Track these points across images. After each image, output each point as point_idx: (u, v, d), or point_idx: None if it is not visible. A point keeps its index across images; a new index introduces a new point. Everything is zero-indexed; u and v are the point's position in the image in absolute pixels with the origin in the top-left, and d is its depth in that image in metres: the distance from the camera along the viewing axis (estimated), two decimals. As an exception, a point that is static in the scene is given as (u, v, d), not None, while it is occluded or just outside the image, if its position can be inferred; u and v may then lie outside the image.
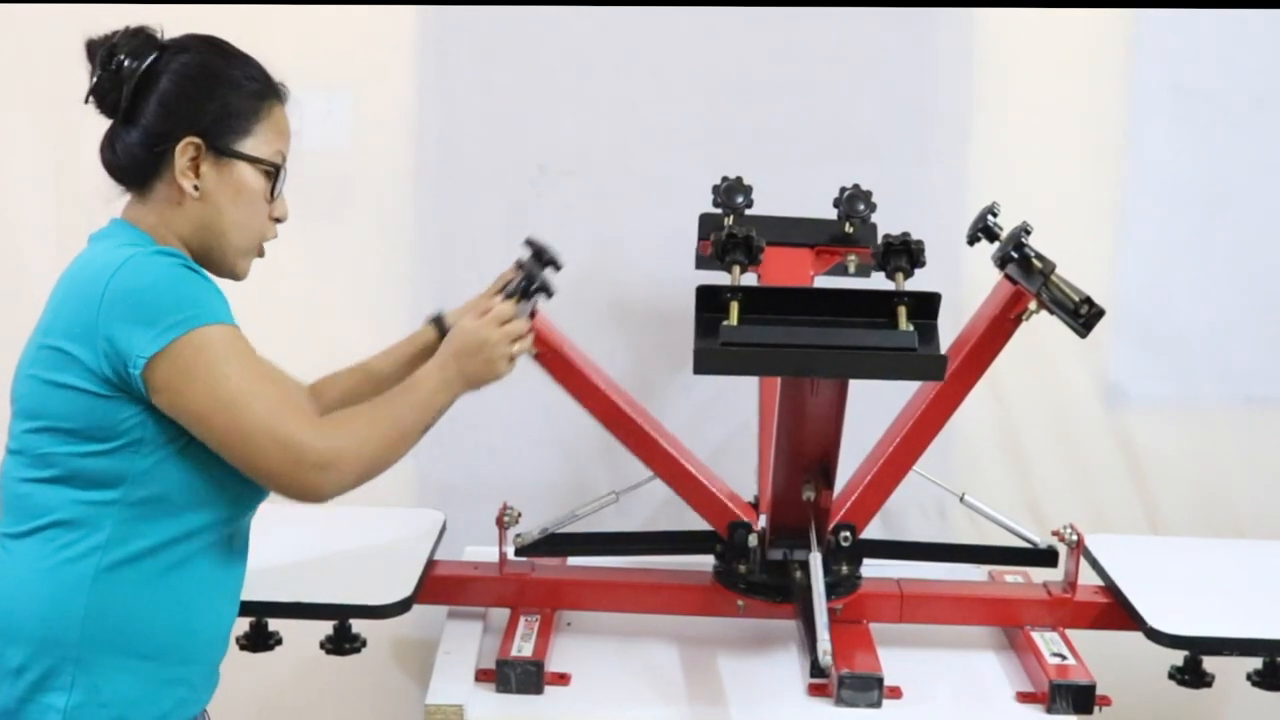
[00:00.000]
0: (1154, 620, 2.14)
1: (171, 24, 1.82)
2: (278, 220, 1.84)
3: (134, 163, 1.78)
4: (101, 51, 1.77)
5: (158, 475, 1.71)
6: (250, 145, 1.78)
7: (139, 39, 1.78)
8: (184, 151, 1.75)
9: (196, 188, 1.76)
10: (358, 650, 2.30)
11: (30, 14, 2.64)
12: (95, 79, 1.77)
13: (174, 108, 1.76)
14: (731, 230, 2.04)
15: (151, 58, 1.77)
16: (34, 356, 1.73)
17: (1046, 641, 2.24)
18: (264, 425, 1.68)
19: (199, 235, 1.78)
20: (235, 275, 1.84)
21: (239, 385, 1.68)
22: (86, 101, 1.79)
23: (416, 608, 2.16)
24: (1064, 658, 2.19)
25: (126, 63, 1.76)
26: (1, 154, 2.62)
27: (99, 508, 1.70)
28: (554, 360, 2.21)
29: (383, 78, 2.78)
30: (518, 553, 2.35)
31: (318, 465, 1.71)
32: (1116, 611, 2.26)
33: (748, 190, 2.44)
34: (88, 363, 1.67)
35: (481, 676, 2.16)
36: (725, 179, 2.45)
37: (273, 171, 1.80)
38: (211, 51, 1.80)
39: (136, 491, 1.71)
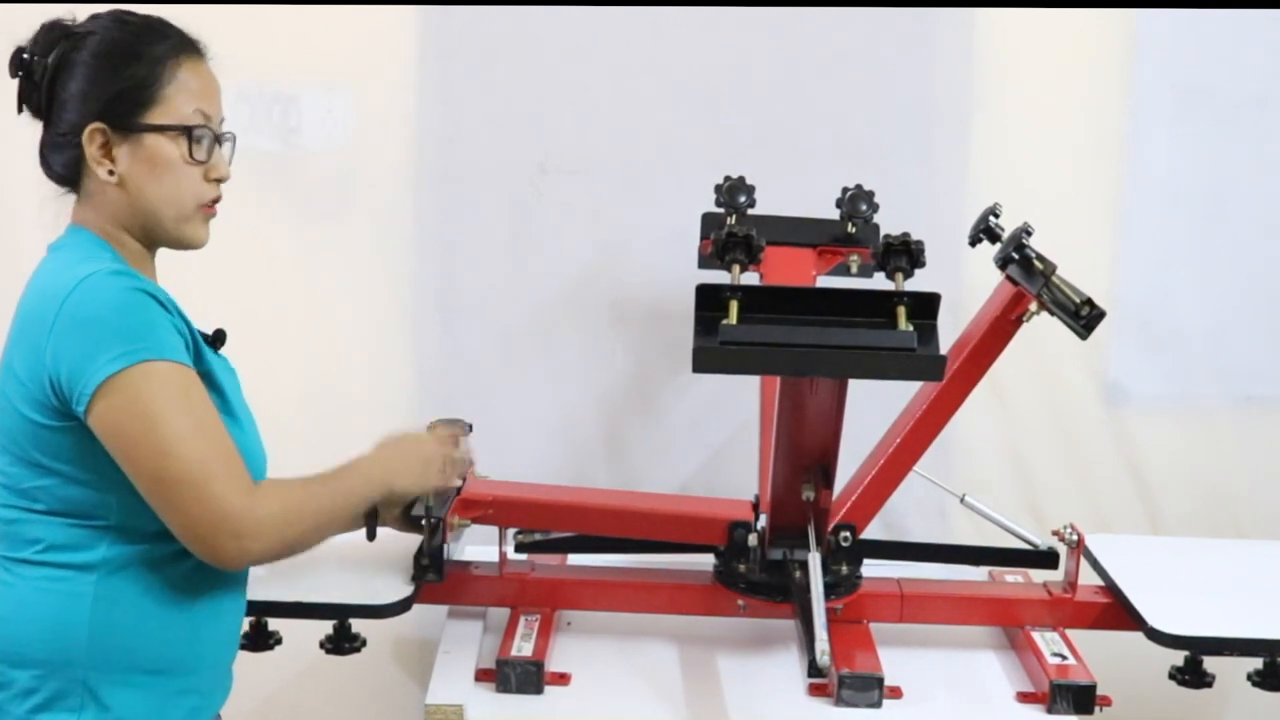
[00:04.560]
0: (1154, 620, 2.14)
1: (176, 23, 1.81)
2: (218, 180, 1.77)
3: (64, 164, 1.75)
4: (14, 57, 1.75)
5: (142, 503, 1.67)
6: (158, 113, 1.71)
7: (49, 35, 1.74)
8: (91, 140, 1.71)
9: (112, 173, 1.72)
10: (358, 650, 2.30)
11: (30, 14, 2.63)
12: (19, 87, 1.75)
13: (79, 97, 1.72)
14: (731, 229, 2.04)
15: (57, 51, 1.72)
16: (1, 377, 1.71)
17: (1047, 641, 2.24)
18: (191, 477, 1.63)
19: (134, 219, 1.74)
20: (191, 244, 1.78)
21: (175, 430, 1.63)
22: (20, 112, 1.76)
23: (416, 607, 2.16)
24: (1064, 658, 2.19)
25: (36, 61, 1.73)
26: (1, 154, 2.63)
27: (92, 531, 1.69)
28: (505, 511, 2.25)
29: (383, 78, 2.78)
30: (517, 550, 2.36)
31: (235, 533, 1.65)
32: (1117, 611, 2.27)
33: (750, 190, 2.44)
34: (33, 390, 1.65)
35: (481, 676, 2.16)
36: (728, 178, 2.45)
37: (188, 133, 1.72)
38: (113, 28, 1.74)
39: (126, 518, 1.69)
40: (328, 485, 1.83)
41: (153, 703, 1.72)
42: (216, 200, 1.78)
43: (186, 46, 1.76)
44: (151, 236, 1.76)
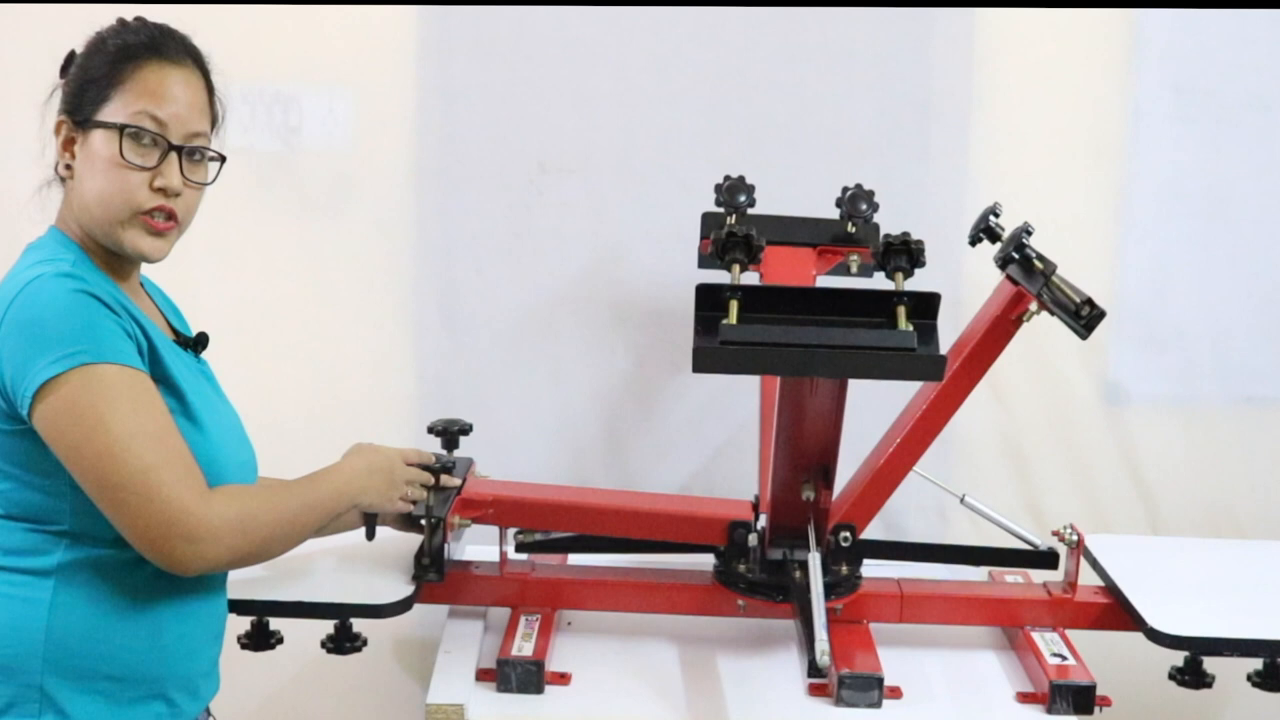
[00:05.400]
0: (1154, 620, 2.14)
1: (172, 24, 1.81)
2: (163, 190, 1.70)
3: (55, 160, 1.76)
4: (65, 61, 1.78)
5: (97, 508, 1.65)
6: (109, 111, 1.69)
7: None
8: (57, 131, 1.72)
9: (69, 166, 1.72)
10: (358, 650, 2.30)
11: (31, 14, 2.64)
12: None
13: (62, 93, 1.74)
14: (731, 229, 2.04)
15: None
16: None
17: (1047, 642, 2.24)
18: (136, 481, 1.60)
19: (82, 218, 1.72)
20: (132, 254, 1.73)
21: (118, 432, 1.60)
22: None
23: (417, 607, 2.16)
24: (1064, 658, 2.19)
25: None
26: (2, 156, 2.63)
27: (48, 536, 1.67)
28: (505, 511, 2.26)
29: (383, 77, 2.78)
30: (517, 550, 2.36)
31: (187, 537, 1.62)
32: (1117, 612, 2.27)
33: (750, 189, 2.44)
34: None
35: (482, 676, 2.16)
36: (728, 177, 2.45)
37: (121, 131, 1.68)
38: (111, 30, 1.75)
39: (81, 523, 1.67)
40: (292, 493, 1.82)
41: (114, 709, 1.69)
42: (163, 212, 1.71)
43: (162, 51, 1.73)
44: (95, 237, 1.73)
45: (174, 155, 1.71)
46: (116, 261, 1.76)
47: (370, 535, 2.05)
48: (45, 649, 1.66)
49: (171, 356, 1.75)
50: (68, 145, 1.72)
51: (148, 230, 1.71)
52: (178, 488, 1.63)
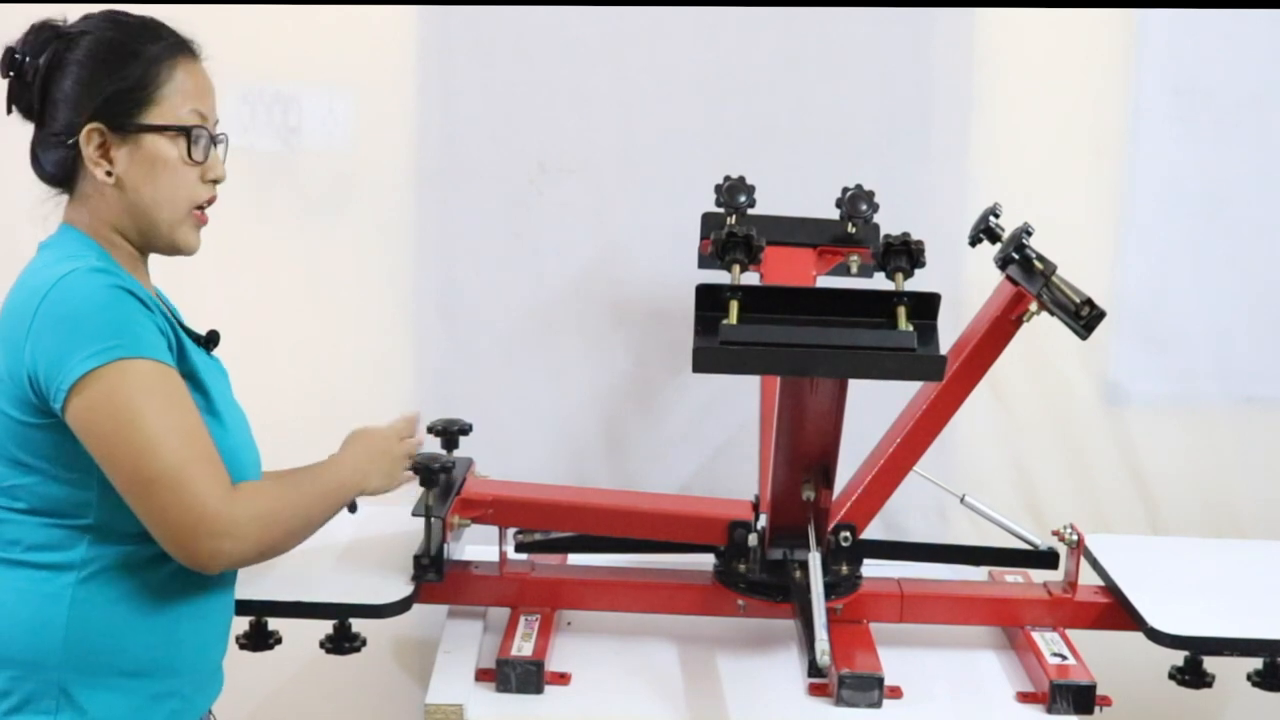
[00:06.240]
0: (1154, 620, 2.14)
1: (173, 24, 1.81)
2: (215, 181, 1.77)
3: (56, 164, 1.74)
4: (5, 57, 1.74)
5: (122, 503, 1.66)
6: (156, 114, 1.71)
7: (40, 35, 1.74)
8: (88, 140, 1.70)
9: (110, 174, 1.71)
10: (358, 650, 2.30)
11: (31, 14, 2.63)
12: (9, 87, 1.75)
13: (74, 97, 1.71)
14: (731, 229, 2.04)
15: (50, 51, 1.72)
16: None
17: (1047, 641, 2.24)
18: (168, 477, 1.61)
19: (130, 221, 1.73)
20: (183, 250, 1.77)
21: (152, 428, 1.61)
22: (9, 113, 1.76)
23: (416, 607, 2.16)
24: (1064, 658, 2.19)
25: (28, 62, 1.73)
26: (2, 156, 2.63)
27: (71, 532, 1.68)
28: (505, 511, 2.27)
29: (383, 77, 2.78)
30: (517, 550, 2.36)
31: (215, 533, 1.63)
32: (1117, 611, 2.27)
33: (750, 189, 2.44)
34: (14, 387, 1.64)
35: (481, 676, 2.16)
36: (728, 178, 2.46)
37: (185, 133, 1.72)
38: (105, 28, 1.74)
39: (105, 517, 1.67)
40: (303, 488, 1.82)
41: (131, 705, 1.70)
42: (211, 201, 1.78)
43: (182, 47, 1.76)
44: (145, 239, 1.76)
45: (214, 146, 1.77)
46: (135, 261, 1.78)
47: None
48: (65, 645, 1.67)
49: (195, 353, 1.77)
50: (103, 151, 1.71)
51: (197, 225, 1.78)
52: (208, 483, 1.64)
